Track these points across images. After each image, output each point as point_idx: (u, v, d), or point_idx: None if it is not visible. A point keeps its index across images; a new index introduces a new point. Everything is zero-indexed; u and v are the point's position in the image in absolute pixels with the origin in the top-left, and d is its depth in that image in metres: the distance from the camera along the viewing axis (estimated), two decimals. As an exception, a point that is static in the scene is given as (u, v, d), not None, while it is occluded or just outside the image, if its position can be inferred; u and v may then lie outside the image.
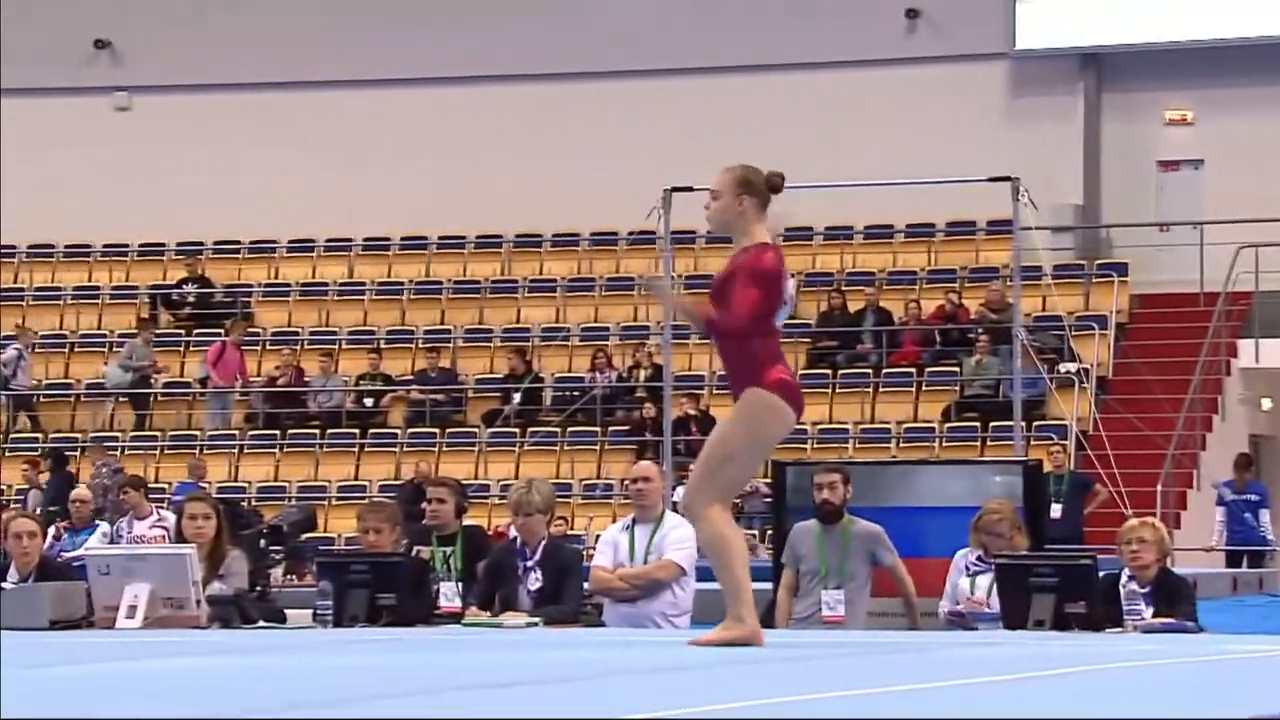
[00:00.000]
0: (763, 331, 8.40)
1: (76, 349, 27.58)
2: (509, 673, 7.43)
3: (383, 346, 27.60)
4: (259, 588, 12.05)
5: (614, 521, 12.49)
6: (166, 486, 23.26)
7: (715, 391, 26.54)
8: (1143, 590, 10.97)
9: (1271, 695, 6.52)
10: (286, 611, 11.79)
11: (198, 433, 26.39)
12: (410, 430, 26.56)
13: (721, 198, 8.62)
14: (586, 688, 6.82)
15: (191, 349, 27.41)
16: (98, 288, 28.41)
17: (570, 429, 26.12)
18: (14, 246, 28.40)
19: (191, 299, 27.91)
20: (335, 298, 28.45)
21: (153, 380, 26.67)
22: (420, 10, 28.87)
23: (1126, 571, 11.31)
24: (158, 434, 26.28)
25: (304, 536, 20.67)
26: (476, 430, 26.50)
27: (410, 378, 27.23)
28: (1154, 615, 10.75)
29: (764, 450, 8.63)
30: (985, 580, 11.43)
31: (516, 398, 26.39)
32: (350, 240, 28.87)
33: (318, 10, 29.00)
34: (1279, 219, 24.76)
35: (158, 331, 27.41)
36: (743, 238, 8.56)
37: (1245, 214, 25.18)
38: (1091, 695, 6.51)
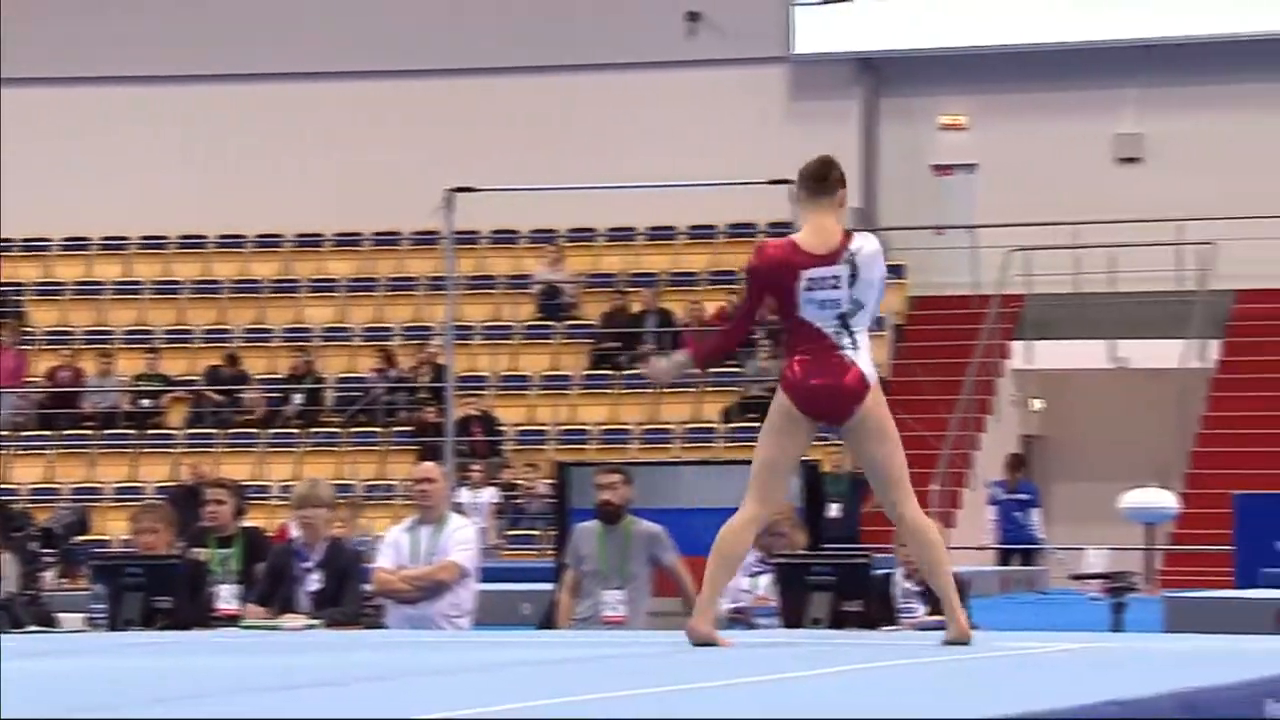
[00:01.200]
0: (786, 327, 8.41)
1: None
2: (287, 675, 7.38)
3: (161, 346, 27.25)
4: (30, 591, 11.86)
5: (396, 523, 12.45)
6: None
7: (499, 393, 26.55)
8: (917, 589, 11.15)
9: (1040, 691, 6.66)
10: (60, 615, 11.62)
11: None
12: (189, 431, 26.25)
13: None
14: (366, 690, 6.80)
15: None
16: None
17: (352, 430, 25.97)
18: None
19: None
20: (111, 297, 28.03)
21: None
22: (197, 6, 28.54)
23: (901, 570, 11.49)
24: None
25: (77, 539, 20.35)
26: (257, 431, 26.26)
27: (197, 377, 26.92)
28: (928, 613, 10.92)
29: (798, 446, 8.45)
30: (766, 580, 11.55)
31: (298, 398, 26.17)
32: (126, 239, 28.46)
33: (95, 8, 28.56)
34: (1051, 223, 25.28)
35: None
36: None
37: (1018, 218, 25.67)
38: (866, 692, 6.60)
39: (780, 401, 8.34)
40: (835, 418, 8.36)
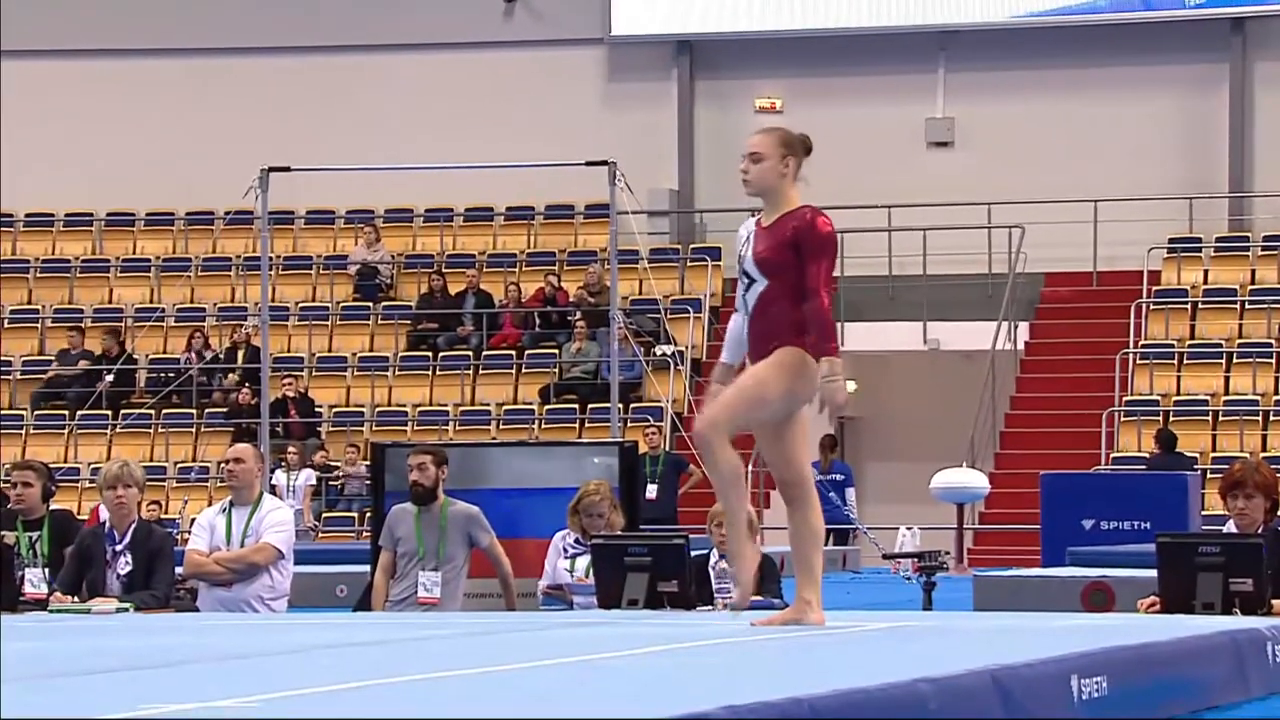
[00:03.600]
0: (818, 293, 8.30)
1: None
2: (98, 659, 7.29)
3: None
4: None
5: (210, 505, 12.34)
6: None
7: (315, 374, 26.36)
8: (732, 570, 11.23)
9: (851, 669, 6.72)
10: None
11: None
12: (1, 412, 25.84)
13: (765, 159, 8.50)
14: (174, 673, 6.73)
15: None
16: None
17: (165, 411, 25.68)
18: None
19: None
20: None
21: None
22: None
23: (716, 551, 11.57)
24: None
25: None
26: (66, 413, 25.90)
27: (5, 358, 26.50)
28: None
29: (793, 408, 8.31)
30: (584, 562, 11.58)
31: (109, 379, 25.85)
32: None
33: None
34: (864, 206, 25.51)
35: None
36: (782, 201, 8.50)
37: (832, 201, 25.83)
38: (683, 671, 6.64)
39: (814, 379, 8.23)
40: None
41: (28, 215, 28.30)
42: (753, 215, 8.72)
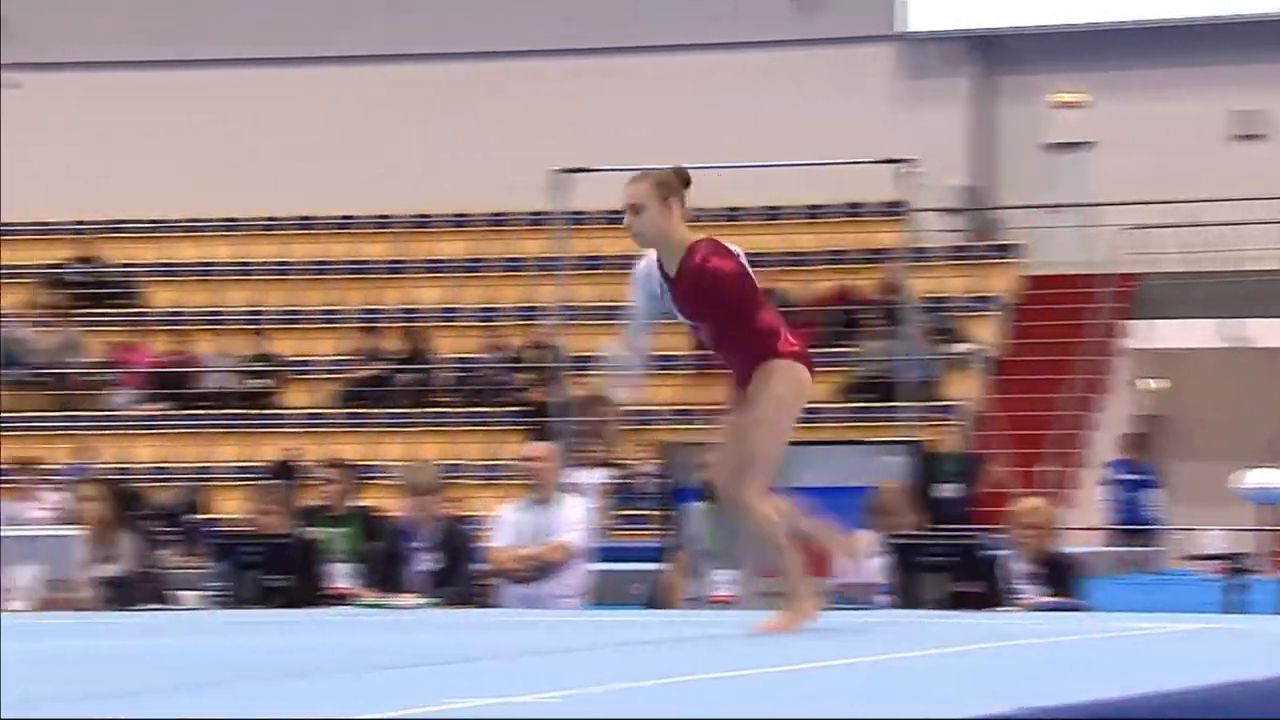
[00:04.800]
0: (760, 308, 8.18)
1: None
2: (401, 655, 7.41)
3: (273, 327, 27.44)
4: (148, 569, 11.99)
5: (508, 503, 12.48)
6: (54, 468, 23.05)
7: (609, 374, 26.50)
8: (1031, 570, 11.06)
9: (1155, 672, 6.59)
10: (177, 593, 11.73)
11: (87, 413, 26.18)
12: (303, 410, 26.43)
13: (646, 209, 8.16)
14: (474, 669, 6.81)
15: (84, 329, 27.16)
16: None
17: (463, 410, 26.06)
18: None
19: (81, 278, 27.68)
20: (226, 278, 28.25)
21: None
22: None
23: (1015, 551, 11.41)
24: (46, 415, 26.05)
25: (193, 517, 20.56)
26: (368, 411, 26.40)
27: (311, 357, 27.11)
28: (1042, 595, 10.84)
29: (793, 420, 8.27)
30: (879, 562, 11.50)
31: (410, 378, 26.31)
32: (237, 220, 28.67)
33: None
34: (1167, 201, 25.01)
35: (44, 311, 27.16)
36: (675, 245, 8.17)
37: (1134, 196, 25.41)
38: (981, 672, 6.56)
39: (806, 383, 8.15)
40: None
41: (330, 218, 28.90)
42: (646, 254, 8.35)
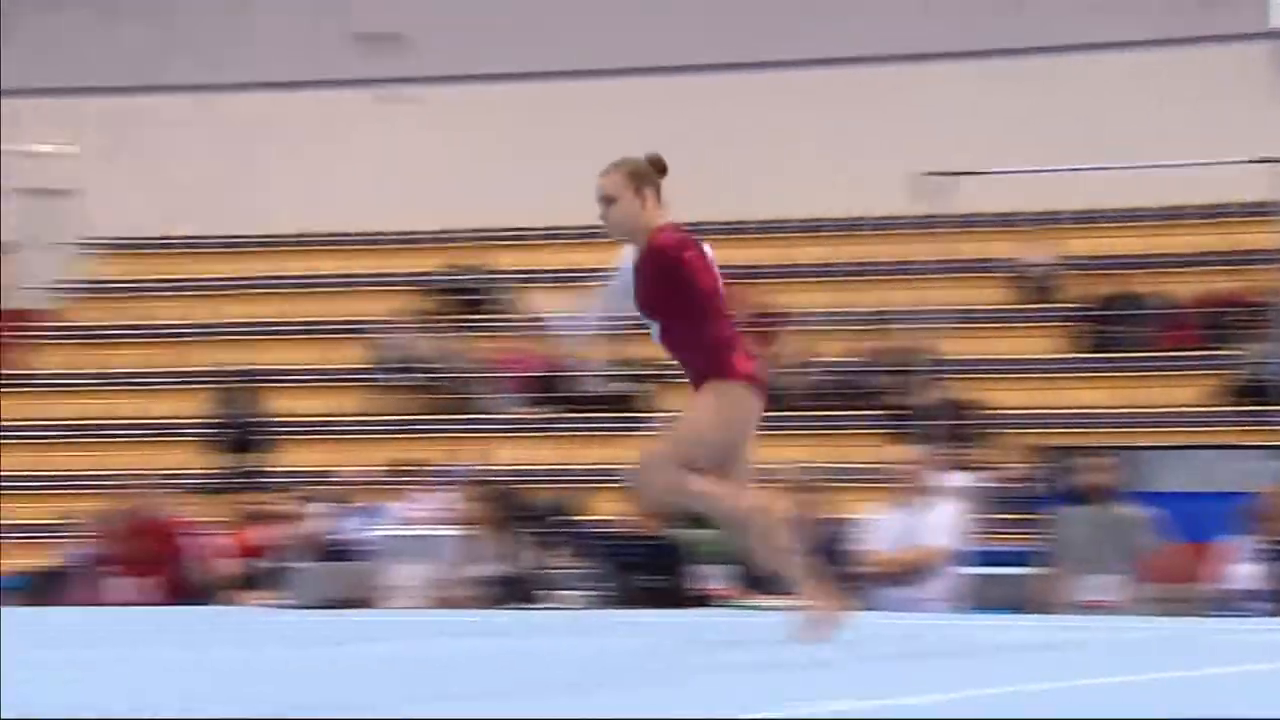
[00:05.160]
0: (715, 315, 7.86)
1: (333, 335, 27.99)
2: (801, 653, 7.47)
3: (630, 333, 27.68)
4: (526, 570, 12.27)
5: (879, 506, 12.56)
6: (435, 470, 23.69)
7: (978, 377, 26.39)
8: None
9: None
10: (551, 593, 12.00)
11: (464, 416, 26.86)
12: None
13: (619, 199, 7.92)
14: (863, 671, 6.86)
15: (464, 335, 27.82)
16: (356, 275, 28.79)
17: (835, 413, 26.10)
18: (279, 235, 28.96)
19: (459, 285, 28.38)
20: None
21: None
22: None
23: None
24: (428, 418, 26.78)
25: (567, 519, 20.97)
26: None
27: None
28: None
29: (731, 439, 7.88)
30: (1261, 568, 11.32)
31: (788, 381, 26.43)
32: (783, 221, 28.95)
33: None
34: None
35: (424, 317, 27.92)
36: (647, 232, 7.91)
37: None
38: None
39: (749, 407, 7.84)
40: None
41: (707, 223, 29.12)
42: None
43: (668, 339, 7.86)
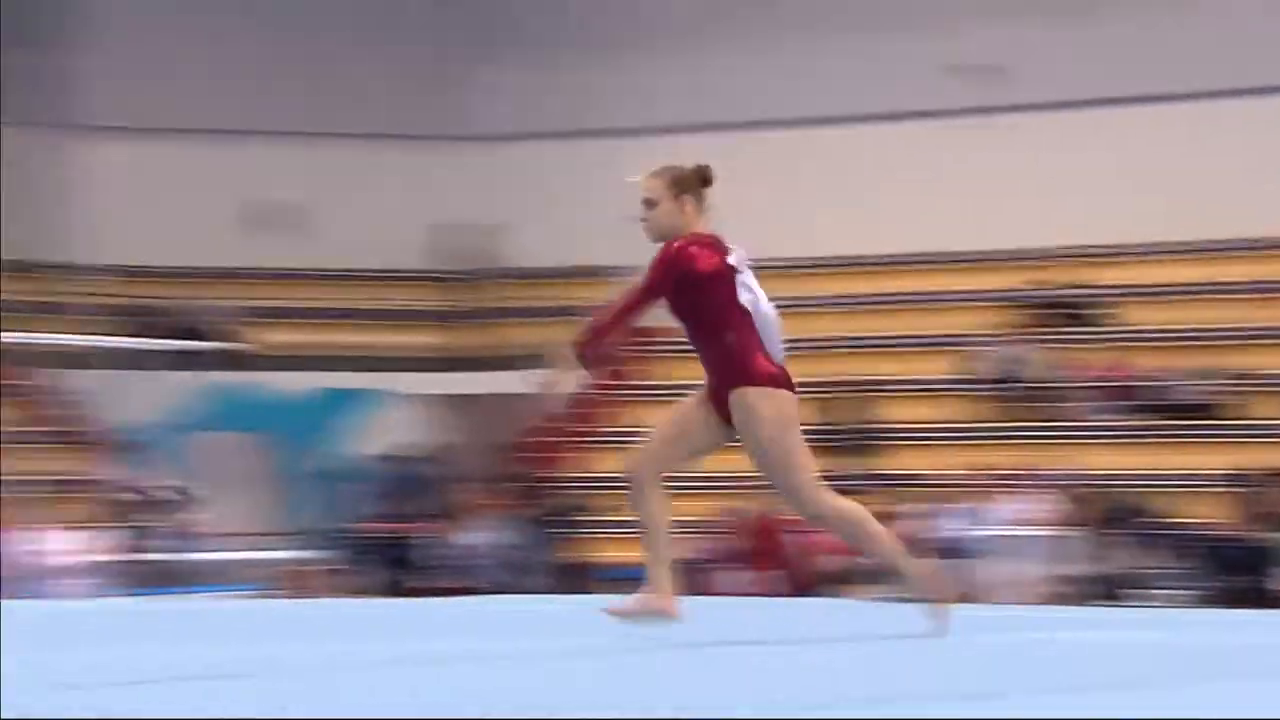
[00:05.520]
0: (736, 324, 7.97)
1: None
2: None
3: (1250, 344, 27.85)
4: (1123, 570, 13.07)
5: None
6: (1038, 475, 24.42)
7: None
8: None
9: None
10: (1136, 592, 12.56)
11: (1065, 424, 27.55)
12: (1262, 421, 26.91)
13: (659, 203, 8.02)
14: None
15: (1062, 348, 28.59)
16: (948, 292, 29.74)
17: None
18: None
19: (1063, 301, 29.17)
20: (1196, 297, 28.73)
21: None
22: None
23: None
24: (1027, 424, 27.64)
25: (1160, 521, 21.58)
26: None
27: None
28: None
29: (799, 438, 8.02)
30: None
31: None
32: (1213, 241, 29.12)
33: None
34: None
35: (1024, 331, 28.82)
36: (677, 238, 8.03)
37: None
38: None
39: (788, 402, 7.95)
40: None
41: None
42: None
43: (694, 342, 8.00)
